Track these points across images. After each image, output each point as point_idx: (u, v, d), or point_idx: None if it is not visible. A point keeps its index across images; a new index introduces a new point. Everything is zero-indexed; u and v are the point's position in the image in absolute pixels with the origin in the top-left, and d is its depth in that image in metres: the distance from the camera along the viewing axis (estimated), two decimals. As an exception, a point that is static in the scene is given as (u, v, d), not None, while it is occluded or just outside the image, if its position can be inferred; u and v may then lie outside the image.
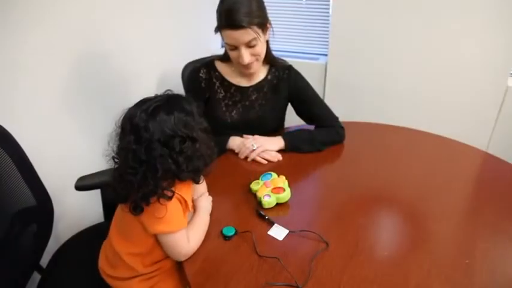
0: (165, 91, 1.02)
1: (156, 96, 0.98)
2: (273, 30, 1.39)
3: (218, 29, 1.31)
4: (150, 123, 0.89)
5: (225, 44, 1.35)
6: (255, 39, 1.29)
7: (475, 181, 1.32)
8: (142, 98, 0.98)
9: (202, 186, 1.16)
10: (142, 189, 0.89)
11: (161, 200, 0.90)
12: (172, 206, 0.94)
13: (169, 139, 0.90)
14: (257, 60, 1.38)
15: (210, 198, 1.14)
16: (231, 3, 1.25)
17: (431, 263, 0.92)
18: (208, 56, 1.92)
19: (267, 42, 1.42)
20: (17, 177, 1.10)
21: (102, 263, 1.09)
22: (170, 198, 0.92)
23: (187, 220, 1.01)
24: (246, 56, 1.32)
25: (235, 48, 1.32)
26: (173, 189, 0.93)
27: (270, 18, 1.36)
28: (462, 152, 1.45)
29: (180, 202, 0.97)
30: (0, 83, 1.32)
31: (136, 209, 0.91)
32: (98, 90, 1.72)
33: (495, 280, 0.88)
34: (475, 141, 1.50)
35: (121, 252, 1.01)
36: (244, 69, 1.40)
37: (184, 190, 0.98)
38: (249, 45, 1.31)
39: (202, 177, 1.04)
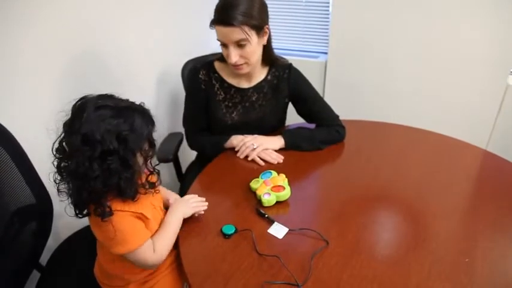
0: (140, 102, 0.94)
1: (124, 100, 0.91)
2: (271, 35, 1.39)
3: (211, 23, 1.30)
4: (87, 114, 0.82)
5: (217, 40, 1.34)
6: (244, 39, 1.27)
7: (475, 179, 1.31)
8: (111, 94, 0.92)
9: (173, 195, 1.15)
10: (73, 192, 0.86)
11: (103, 218, 0.86)
12: (121, 224, 0.89)
13: (93, 142, 0.81)
14: (247, 63, 1.36)
15: (190, 200, 1.10)
16: (230, 0, 1.25)
17: (432, 261, 0.92)
18: (208, 53, 1.92)
19: (269, 44, 1.41)
20: (16, 175, 1.10)
21: (97, 271, 1.10)
22: (106, 215, 0.86)
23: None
24: (233, 54, 1.30)
25: (225, 45, 1.31)
26: (110, 205, 0.87)
27: (270, 16, 1.35)
28: (462, 150, 1.45)
29: (138, 218, 0.93)
30: (0, 82, 1.32)
31: (80, 212, 0.89)
32: (97, 89, 1.70)
33: (495, 279, 0.88)
34: (475, 140, 1.49)
35: (102, 261, 1.02)
36: (233, 69, 1.38)
37: (138, 205, 0.93)
38: (238, 44, 1.29)
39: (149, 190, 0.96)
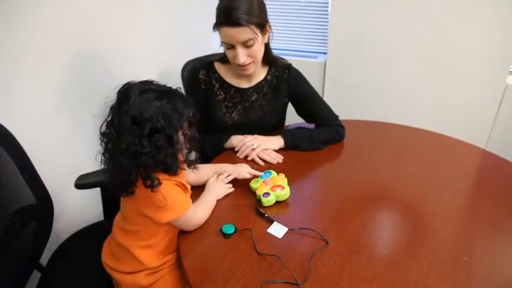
0: (176, 87, 1.03)
1: (163, 85, 1.00)
2: (272, 33, 1.39)
3: (216, 26, 1.30)
4: (134, 97, 0.90)
5: (222, 43, 1.33)
6: (252, 39, 1.28)
7: (474, 179, 1.32)
8: (151, 79, 1.00)
9: (210, 169, 1.25)
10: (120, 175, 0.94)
11: (154, 189, 0.92)
12: (170, 192, 0.97)
13: (142, 121, 0.89)
14: (253, 62, 1.36)
15: (224, 185, 1.21)
16: (231, 0, 1.24)
17: (430, 260, 0.92)
18: (208, 54, 1.92)
19: (267, 43, 1.41)
20: (17, 175, 1.10)
21: (106, 257, 1.10)
22: (155, 185, 0.92)
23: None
24: (241, 55, 1.30)
25: (232, 47, 1.31)
26: (158, 176, 0.94)
27: (270, 16, 1.36)
28: (461, 150, 1.45)
29: (179, 186, 1.01)
30: (0, 82, 1.32)
31: (127, 191, 0.96)
32: (97, 89, 1.72)
33: (494, 277, 0.88)
34: (474, 139, 1.50)
35: (130, 246, 1.03)
36: (240, 70, 1.39)
37: (179, 177, 1.01)
38: (246, 44, 1.29)
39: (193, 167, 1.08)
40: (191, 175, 1.17)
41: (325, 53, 2.45)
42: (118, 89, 0.96)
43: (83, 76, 1.62)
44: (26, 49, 1.37)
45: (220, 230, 1.03)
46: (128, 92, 0.92)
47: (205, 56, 1.89)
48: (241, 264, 0.92)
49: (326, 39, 2.41)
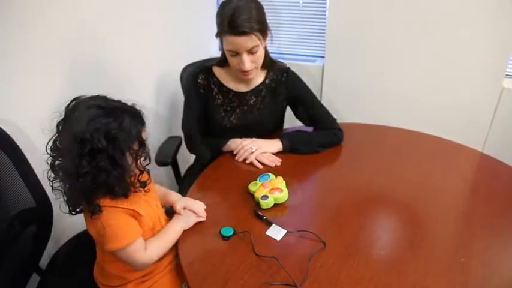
0: (132, 103, 0.97)
1: (116, 100, 0.95)
2: (271, 36, 1.40)
3: (219, 34, 1.30)
4: (78, 113, 0.86)
5: (225, 51, 1.34)
6: (257, 46, 1.29)
7: (471, 181, 1.33)
8: (103, 95, 0.95)
9: (174, 194, 1.17)
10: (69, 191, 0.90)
11: (93, 216, 0.89)
12: (112, 221, 0.92)
13: (82, 139, 0.84)
14: (256, 68, 1.38)
15: (192, 213, 1.10)
16: (233, 8, 1.24)
17: (428, 262, 0.93)
18: (207, 58, 1.93)
19: (265, 48, 1.42)
20: (16, 178, 1.11)
21: (96, 272, 1.10)
22: (96, 212, 0.89)
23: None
24: (247, 62, 1.31)
25: (236, 54, 1.31)
26: (99, 202, 0.90)
27: (267, 20, 1.37)
28: (458, 153, 1.46)
29: (131, 215, 0.95)
30: (0, 86, 1.33)
31: (71, 210, 0.93)
32: (96, 92, 1.72)
33: (491, 278, 0.89)
34: (470, 142, 1.51)
35: (102, 261, 1.02)
36: (243, 76, 1.40)
37: (131, 202, 0.95)
38: (251, 51, 1.30)
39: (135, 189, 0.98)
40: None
41: (322, 57, 2.46)
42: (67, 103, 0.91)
43: (82, 80, 1.62)
44: (26, 53, 1.38)
45: (219, 232, 1.03)
46: (74, 108, 0.89)
47: (203, 60, 1.91)
48: (240, 266, 0.93)
49: (324, 43, 2.42)
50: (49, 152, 0.90)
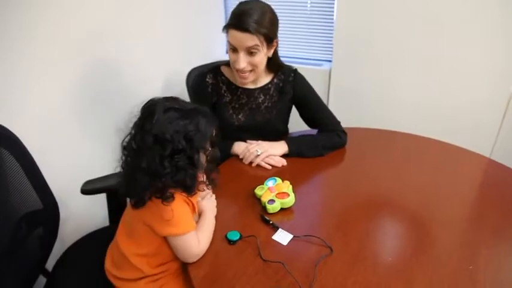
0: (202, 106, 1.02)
1: (188, 103, 1.00)
2: (278, 47, 1.42)
3: (226, 27, 1.33)
4: (158, 115, 0.91)
5: (227, 43, 1.36)
6: (256, 48, 1.32)
7: (478, 187, 1.32)
8: (176, 96, 1.00)
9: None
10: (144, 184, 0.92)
11: (164, 201, 0.92)
12: (179, 208, 0.95)
13: (163, 141, 0.89)
14: (253, 71, 1.40)
15: (214, 200, 1.16)
16: (247, 8, 1.29)
17: (435, 269, 0.92)
18: (212, 61, 1.93)
19: (275, 52, 1.44)
20: (24, 181, 1.11)
21: (109, 264, 1.10)
22: (170, 198, 0.92)
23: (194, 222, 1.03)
24: (242, 60, 1.34)
25: (235, 50, 1.34)
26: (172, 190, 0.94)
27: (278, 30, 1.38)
28: (465, 159, 1.45)
29: (188, 204, 0.99)
30: (8, 88, 1.34)
31: (138, 204, 0.94)
32: (104, 96, 1.74)
33: (499, 286, 0.88)
34: (479, 147, 1.50)
35: (128, 253, 1.02)
36: (238, 76, 1.41)
37: (192, 198, 1.00)
38: (249, 51, 1.33)
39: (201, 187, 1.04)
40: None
41: (330, 61, 2.46)
42: (143, 104, 0.97)
43: (90, 83, 1.64)
44: (35, 56, 1.39)
45: (226, 236, 1.03)
46: (151, 110, 0.93)
47: (209, 64, 1.91)
48: (247, 270, 0.92)
49: (331, 47, 2.42)
50: (123, 150, 0.96)
